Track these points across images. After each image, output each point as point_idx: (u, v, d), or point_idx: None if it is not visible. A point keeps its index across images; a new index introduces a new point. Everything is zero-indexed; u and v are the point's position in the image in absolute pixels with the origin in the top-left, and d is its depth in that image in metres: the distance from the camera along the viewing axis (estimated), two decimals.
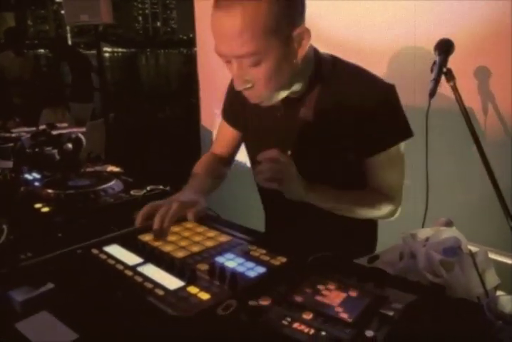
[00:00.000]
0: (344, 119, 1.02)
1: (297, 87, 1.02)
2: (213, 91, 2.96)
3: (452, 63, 1.39)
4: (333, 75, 1.03)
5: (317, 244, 0.87)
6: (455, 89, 1.34)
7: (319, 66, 1.03)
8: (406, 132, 1.05)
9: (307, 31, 0.93)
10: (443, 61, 1.35)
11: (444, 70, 1.34)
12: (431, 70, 1.36)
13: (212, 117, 3.04)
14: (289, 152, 1.06)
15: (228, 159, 1.33)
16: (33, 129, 2.11)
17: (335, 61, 1.05)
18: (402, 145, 1.07)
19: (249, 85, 0.94)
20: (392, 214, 1.13)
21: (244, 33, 0.85)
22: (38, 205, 1.10)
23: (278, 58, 0.90)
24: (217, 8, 0.89)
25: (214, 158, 1.31)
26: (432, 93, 1.28)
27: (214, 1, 0.90)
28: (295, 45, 0.93)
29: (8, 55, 4.50)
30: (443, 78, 1.35)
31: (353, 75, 1.03)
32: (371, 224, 1.25)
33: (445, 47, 1.38)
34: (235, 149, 1.31)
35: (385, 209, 1.10)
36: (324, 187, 1.03)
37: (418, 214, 1.30)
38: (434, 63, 1.37)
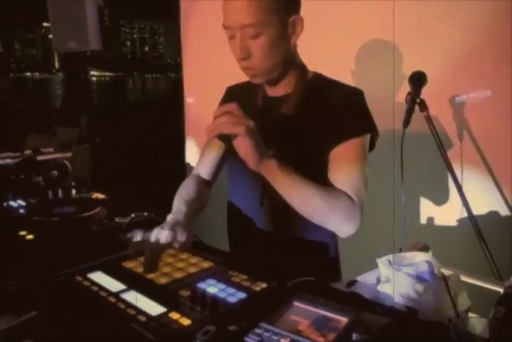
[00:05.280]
0: (319, 115, 1.13)
1: (284, 84, 1.16)
2: (199, 115, 3.01)
3: (427, 92, 1.47)
4: (313, 81, 1.18)
5: (283, 267, 0.92)
6: (428, 119, 1.41)
7: (303, 72, 1.18)
8: (370, 127, 1.13)
9: (301, 19, 1.08)
10: (417, 92, 1.42)
11: (418, 100, 1.41)
12: (406, 101, 1.43)
13: (196, 141, 3.08)
14: (271, 152, 1.10)
15: (211, 181, 1.32)
16: (19, 154, 2.12)
17: (316, 72, 1.21)
18: (365, 145, 1.12)
19: (246, 55, 1.07)
20: (350, 228, 1.07)
21: (250, 7, 1.02)
22: (22, 232, 1.11)
23: (275, 35, 1.05)
24: None
25: (197, 182, 1.28)
26: (406, 123, 1.34)
27: None
28: (290, 30, 1.08)
29: None
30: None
31: (329, 81, 1.19)
32: (333, 248, 1.26)
33: (418, 79, 1.46)
34: (218, 170, 1.32)
35: (345, 208, 1.06)
36: (293, 169, 1.03)
37: (396, 238, 1.34)
38: (408, 94, 1.45)
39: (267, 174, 1.02)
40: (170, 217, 1.07)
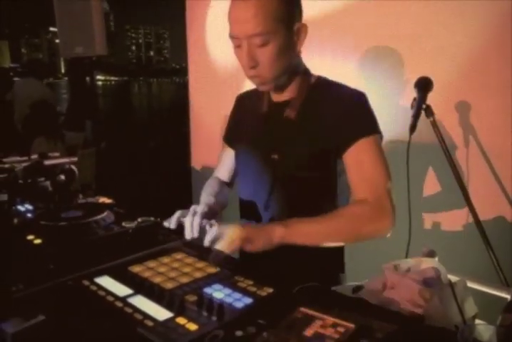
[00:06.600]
0: (322, 117, 1.15)
1: (289, 89, 1.18)
2: (204, 119, 3.02)
3: (433, 98, 1.47)
4: (317, 85, 1.20)
5: (286, 272, 0.94)
6: (434, 124, 1.41)
7: (307, 77, 1.20)
8: (375, 128, 1.14)
9: (305, 27, 1.11)
10: (423, 98, 1.42)
11: (424, 106, 1.41)
12: (411, 107, 1.43)
13: (202, 146, 3.09)
14: (276, 156, 1.17)
15: (230, 182, 1.43)
16: (26, 158, 2.13)
17: (320, 76, 1.23)
18: (378, 142, 1.13)
19: (254, 64, 1.09)
20: (385, 225, 1.08)
21: (257, 16, 1.04)
22: (30, 237, 1.12)
23: (282, 43, 1.07)
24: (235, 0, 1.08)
25: (219, 181, 1.39)
26: (412, 128, 1.34)
27: None
28: (295, 37, 1.11)
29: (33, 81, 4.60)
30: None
31: (332, 84, 1.20)
32: (337, 255, 1.28)
33: (424, 85, 1.46)
34: (235, 172, 1.41)
35: (374, 220, 1.08)
36: (297, 219, 1.07)
37: (402, 244, 1.34)
38: (414, 99, 1.45)
39: (282, 242, 1.05)
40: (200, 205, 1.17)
